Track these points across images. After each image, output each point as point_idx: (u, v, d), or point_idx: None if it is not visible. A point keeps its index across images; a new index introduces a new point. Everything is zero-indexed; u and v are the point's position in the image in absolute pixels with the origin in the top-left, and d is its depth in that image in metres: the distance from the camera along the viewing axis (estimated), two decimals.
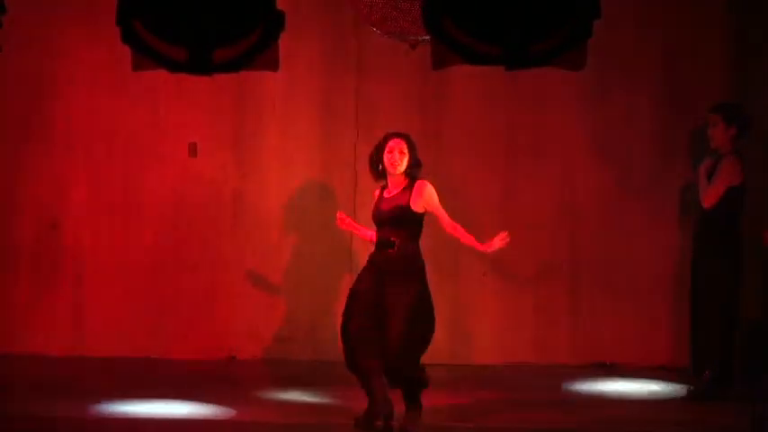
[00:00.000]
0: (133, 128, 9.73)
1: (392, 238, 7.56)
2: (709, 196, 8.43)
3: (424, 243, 9.19)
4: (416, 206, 7.57)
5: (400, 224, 7.59)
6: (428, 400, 7.74)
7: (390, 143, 7.63)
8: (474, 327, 9.74)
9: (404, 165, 7.61)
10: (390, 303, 7.45)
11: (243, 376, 9.04)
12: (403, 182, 7.62)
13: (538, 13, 6.98)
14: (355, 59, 9.74)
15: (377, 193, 7.74)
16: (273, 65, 7.41)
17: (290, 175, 9.76)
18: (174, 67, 7.34)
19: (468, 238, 7.66)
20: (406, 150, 7.62)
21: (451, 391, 8.69)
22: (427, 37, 7.29)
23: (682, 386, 8.68)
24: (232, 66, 7.38)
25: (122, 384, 8.60)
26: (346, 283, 8.10)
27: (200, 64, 7.30)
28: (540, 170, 9.73)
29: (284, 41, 7.36)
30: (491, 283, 9.73)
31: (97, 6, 8.74)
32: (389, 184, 7.66)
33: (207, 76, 7.54)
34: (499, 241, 7.57)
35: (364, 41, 9.48)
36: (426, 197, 7.58)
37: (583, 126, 9.73)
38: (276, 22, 7.29)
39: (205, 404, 8.00)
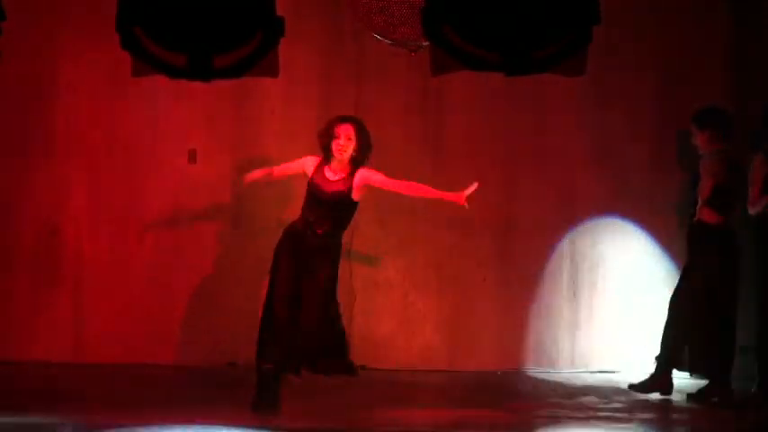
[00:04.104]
0: (133, 134, 9.73)
1: (324, 223, 7.75)
2: (700, 196, 8.53)
3: (423, 249, 9.24)
4: (355, 196, 7.78)
5: (336, 210, 7.79)
6: (427, 405, 7.75)
7: (338, 129, 7.75)
8: (474, 333, 9.73)
9: (349, 151, 7.79)
10: (306, 286, 7.69)
11: (243, 382, 9.02)
12: (347, 168, 7.80)
13: (538, 20, 6.98)
14: (355, 64, 9.74)
15: (314, 163, 7.84)
16: (273, 71, 7.42)
17: (289, 180, 9.73)
18: (174, 73, 7.34)
19: (433, 193, 7.83)
20: (353, 136, 7.77)
21: (450, 396, 8.68)
22: (427, 43, 7.29)
23: (682, 390, 8.71)
24: (232, 72, 7.38)
25: (122, 391, 8.59)
26: (345, 289, 8.11)
27: (199, 70, 7.30)
28: (539, 176, 9.73)
29: (283, 47, 7.36)
30: (491, 288, 9.73)
31: (97, 13, 8.73)
32: (333, 166, 7.80)
33: (206, 82, 7.55)
34: (471, 188, 7.77)
35: (364, 46, 9.47)
36: (366, 182, 7.79)
37: (582, 131, 9.74)
38: (275, 29, 7.29)
39: (205, 410, 8.00)
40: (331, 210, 7.82)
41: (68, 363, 9.50)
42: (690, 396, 8.58)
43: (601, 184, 9.74)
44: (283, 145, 9.76)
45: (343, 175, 7.79)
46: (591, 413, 8.13)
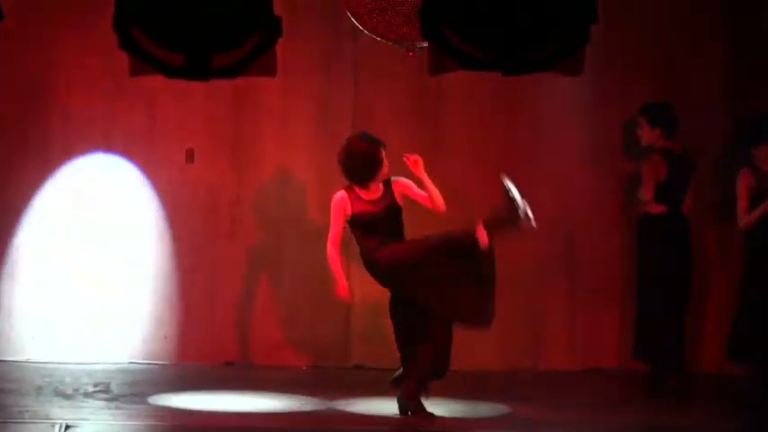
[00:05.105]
0: (131, 133, 9.72)
1: (390, 237, 7.82)
2: (645, 194, 8.90)
3: None
4: (401, 202, 7.87)
5: (398, 224, 7.84)
6: (427, 405, 7.78)
7: (384, 153, 7.82)
8: (473, 332, 9.71)
9: None
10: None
11: (240, 382, 9.02)
12: (381, 184, 7.83)
13: (536, 19, 6.99)
14: (353, 64, 9.73)
15: (344, 195, 7.81)
16: (271, 70, 7.43)
17: (287, 180, 9.75)
18: (172, 72, 7.35)
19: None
20: None
21: (450, 396, 8.68)
22: (425, 43, 7.30)
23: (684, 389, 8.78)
24: (230, 71, 7.39)
25: (120, 390, 8.58)
26: None
27: (197, 70, 7.32)
28: (537, 175, 9.72)
29: (281, 46, 7.37)
30: None
31: (95, 12, 8.74)
32: (369, 188, 7.79)
33: (204, 82, 7.55)
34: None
35: (362, 46, 9.46)
36: (406, 184, 7.88)
37: (580, 131, 9.74)
38: (273, 28, 7.31)
39: (202, 410, 8.00)
40: (393, 225, 7.87)
41: (65, 362, 9.50)
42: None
43: (600, 184, 9.74)
44: (281, 145, 9.76)
45: (382, 191, 7.84)
46: (589, 411, 8.16)
